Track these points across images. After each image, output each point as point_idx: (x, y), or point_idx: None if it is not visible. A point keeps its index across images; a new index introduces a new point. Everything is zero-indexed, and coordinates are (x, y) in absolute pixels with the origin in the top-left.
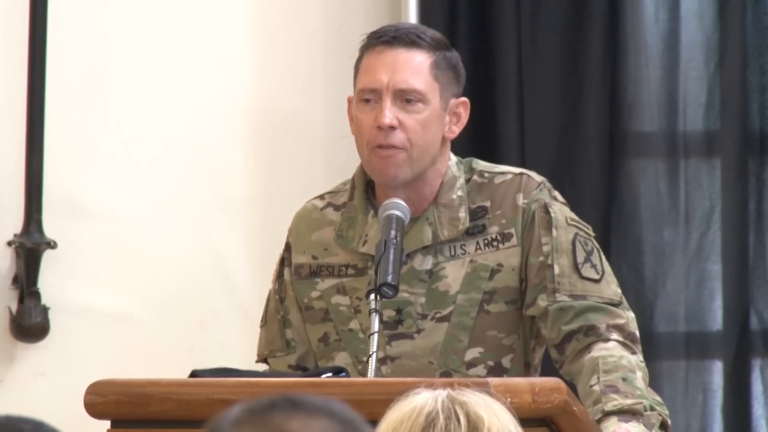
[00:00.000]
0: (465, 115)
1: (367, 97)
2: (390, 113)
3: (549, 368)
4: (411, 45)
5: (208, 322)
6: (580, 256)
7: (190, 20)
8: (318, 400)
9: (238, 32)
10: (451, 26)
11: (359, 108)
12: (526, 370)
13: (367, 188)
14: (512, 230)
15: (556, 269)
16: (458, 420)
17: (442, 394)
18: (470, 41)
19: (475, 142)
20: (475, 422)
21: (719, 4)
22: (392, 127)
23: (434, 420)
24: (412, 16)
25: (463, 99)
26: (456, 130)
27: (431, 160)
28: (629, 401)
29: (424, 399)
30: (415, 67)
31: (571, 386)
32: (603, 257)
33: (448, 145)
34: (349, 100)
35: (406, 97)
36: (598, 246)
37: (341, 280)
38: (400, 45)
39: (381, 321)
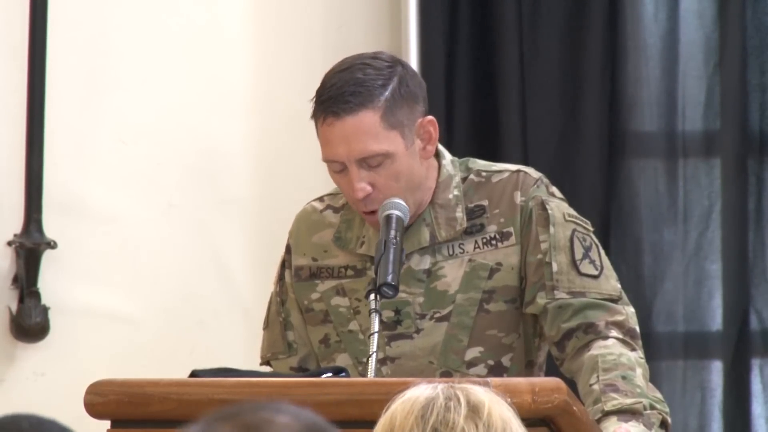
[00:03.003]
0: (435, 131)
1: (335, 168)
2: (359, 184)
3: (553, 367)
4: (356, 108)
5: (208, 322)
6: (578, 253)
7: (190, 20)
8: (287, 405)
9: (238, 32)
10: (451, 26)
11: (331, 170)
12: (530, 368)
13: None
14: (511, 229)
15: (555, 267)
16: (459, 401)
17: (441, 384)
18: (471, 41)
19: (477, 141)
20: (476, 404)
21: (719, 3)
22: (367, 196)
23: (434, 400)
24: (412, 16)
25: (429, 117)
26: (431, 149)
27: (419, 187)
28: (629, 400)
29: (424, 387)
30: (367, 132)
31: (572, 384)
32: (602, 252)
33: (434, 149)
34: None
35: (370, 163)
36: (597, 241)
37: (340, 281)
38: (346, 114)
39: (381, 321)
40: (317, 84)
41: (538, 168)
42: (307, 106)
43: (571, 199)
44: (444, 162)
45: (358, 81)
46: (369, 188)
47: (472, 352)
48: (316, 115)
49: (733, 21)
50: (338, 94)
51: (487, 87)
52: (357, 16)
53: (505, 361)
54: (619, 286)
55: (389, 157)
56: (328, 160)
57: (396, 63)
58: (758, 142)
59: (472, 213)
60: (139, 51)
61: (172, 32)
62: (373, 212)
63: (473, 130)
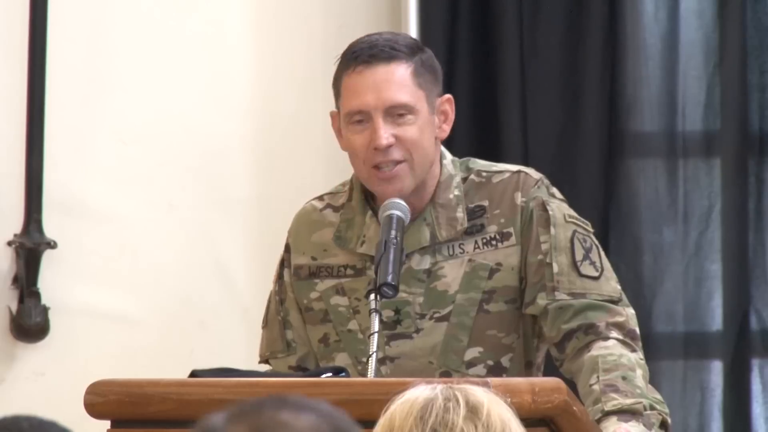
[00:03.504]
0: (451, 111)
1: (357, 119)
2: (384, 133)
3: (552, 367)
4: (389, 59)
5: (208, 322)
6: (579, 254)
7: (190, 20)
8: (307, 400)
9: (237, 32)
10: (451, 26)
11: (350, 129)
12: (529, 369)
13: (365, 189)
14: (511, 229)
15: (555, 267)
16: (457, 401)
17: (441, 385)
18: (471, 41)
19: (477, 141)
20: (475, 405)
21: (719, 3)
22: (389, 146)
23: (433, 400)
24: (412, 17)
25: (447, 96)
26: (446, 128)
27: (430, 165)
28: (629, 401)
29: (423, 388)
30: (398, 81)
31: (572, 385)
32: (602, 254)
33: (440, 145)
34: (333, 115)
35: (396, 113)
36: (597, 242)
37: (340, 280)
38: (378, 62)
39: (381, 321)
40: (317, 84)
41: (538, 168)
42: (306, 106)
43: (571, 199)
44: (445, 162)
45: (390, 40)
46: (393, 139)
47: (472, 353)
48: (342, 68)
49: (733, 21)
50: (370, 47)
51: (487, 87)
52: (357, 16)
53: (505, 361)
54: (619, 287)
55: (414, 113)
56: (353, 111)
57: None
58: (758, 142)
59: (473, 213)
60: (140, 51)
61: (173, 32)
62: (390, 163)
63: (473, 129)
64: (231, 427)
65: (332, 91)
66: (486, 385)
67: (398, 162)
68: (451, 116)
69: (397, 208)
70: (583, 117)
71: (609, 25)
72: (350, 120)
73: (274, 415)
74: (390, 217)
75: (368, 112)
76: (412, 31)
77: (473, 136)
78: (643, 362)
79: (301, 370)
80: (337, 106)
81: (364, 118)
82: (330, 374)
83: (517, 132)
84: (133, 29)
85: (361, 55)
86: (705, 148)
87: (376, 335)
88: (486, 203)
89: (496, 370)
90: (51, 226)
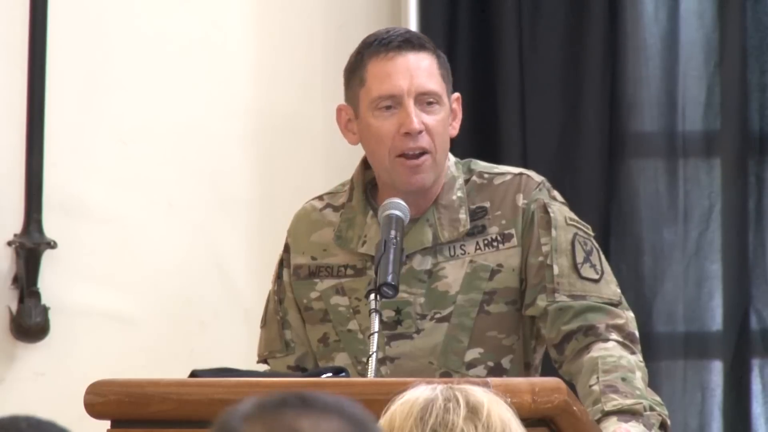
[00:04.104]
0: (459, 110)
1: (386, 104)
2: (416, 117)
3: (549, 368)
4: (420, 48)
5: (208, 322)
6: (580, 256)
7: (190, 20)
8: (329, 398)
9: (237, 32)
10: (451, 26)
11: (376, 116)
12: (527, 370)
13: (365, 189)
14: (512, 231)
15: (556, 269)
16: (458, 402)
17: (441, 385)
18: (470, 41)
19: (477, 141)
20: (475, 405)
21: (719, 3)
22: (420, 131)
23: (433, 401)
24: (412, 16)
25: (457, 95)
26: (456, 126)
27: (445, 161)
28: (629, 401)
29: (423, 389)
30: (428, 70)
31: (571, 386)
32: (602, 257)
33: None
34: (340, 109)
35: (427, 100)
36: (597, 246)
37: (340, 280)
38: (409, 49)
39: (381, 321)
40: (317, 84)
41: (537, 168)
42: (307, 106)
43: (571, 199)
44: (448, 163)
45: (411, 33)
46: (423, 125)
47: (472, 353)
48: (369, 55)
49: (733, 21)
50: (396, 36)
51: (487, 87)
52: (357, 16)
53: (505, 362)
54: (619, 291)
55: (441, 103)
56: (383, 96)
57: None
58: (758, 142)
59: (474, 214)
60: (140, 51)
61: (172, 32)
62: (418, 152)
63: (473, 130)
64: (248, 428)
65: (343, 82)
66: (486, 385)
67: (423, 152)
68: (460, 115)
69: (397, 207)
70: (583, 117)
71: (609, 25)
72: (378, 105)
73: (294, 420)
74: (389, 217)
75: (401, 96)
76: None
77: (473, 136)
78: (642, 365)
79: (299, 370)
80: (354, 97)
81: (393, 103)
82: (330, 374)
83: (516, 132)
84: (133, 29)
85: (393, 41)
86: (705, 148)
87: (376, 335)
88: (487, 204)
89: (497, 372)
90: (51, 226)
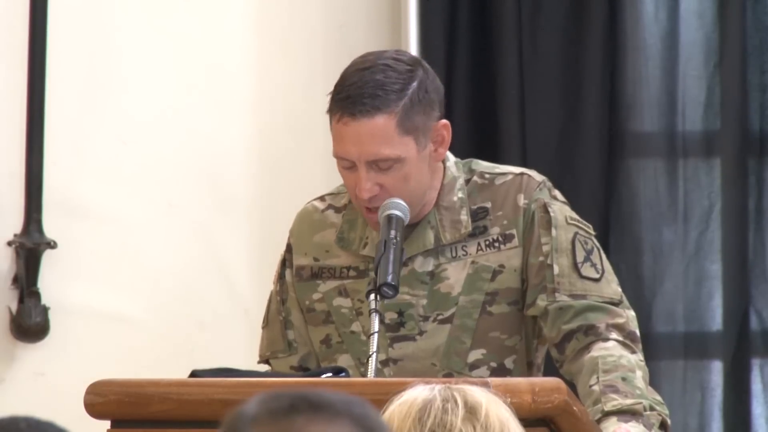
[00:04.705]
0: (448, 135)
1: (344, 164)
2: (366, 184)
3: (552, 367)
4: (373, 111)
5: (208, 322)
6: (580, 256)
7: (190, 20)
8: (339, 400)
9: (238, 32)
10: (451, 26)
11: (340, 165)
12: (529, 369)
13: None
14: (514, 231)
15: (556, 269)
16: (456, 402)
17: (439, 385)
18: (470, 41)
19: (477, 141)
20: (473, 405)
21: (719, 3)
22: (372, 197)
23: (431, 402)
24: (412, 16)
25: (444, 122)
26: (443, 151)
27: (424, 193)
28: (629, 401)
29: (421, 389)
30: (381, 136)
31: (572, 386)
32: (603, 256)
33: (439, 164)
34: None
35: (378, 165)
36: (598, 245)
37: (342, 282)
38: (361, 115)
39: (381, 321)
40: (318, 84)
41: (537, 168)
42: (307, 106)
43: (571, 199)
44: (448, 164)
45: (378, 83)
46: (377, 189)
47: (475, 354)
48: (332, 111)
49: (733, 21)
50: (356, 95)
51: (486, 87)
52: (357, 16)
53: (508, 363)
54: (619, 290)
55: (400, 161)
56: (339, 157)
57: (417, 66)
58: (758, 142)
59: (476, 215)
60: (140, 51)
61: (172, 32)
62: (376, 210)
63: (473, 130)
64: (257, 430)
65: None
66: (486, 385)
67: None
68: (448, 139)
69: (397, 207)
70: (583, 117)
71: (609, 25)
72: (339, 162)
73: (304, 426)
74: (389, 217)
75: (353, 161)
76: (412, 31)
77: (473, 137)
78: (642, 364)
79: (302, 370)
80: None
81: (350, 165)
82: (330, 374)
83: (516, 132)
84: (133, 29)
85: (347, 106)
86: (705, 148)
87: (376, 335)
88: (489, 205)
89: (500, 372)
90: (51, 226)
